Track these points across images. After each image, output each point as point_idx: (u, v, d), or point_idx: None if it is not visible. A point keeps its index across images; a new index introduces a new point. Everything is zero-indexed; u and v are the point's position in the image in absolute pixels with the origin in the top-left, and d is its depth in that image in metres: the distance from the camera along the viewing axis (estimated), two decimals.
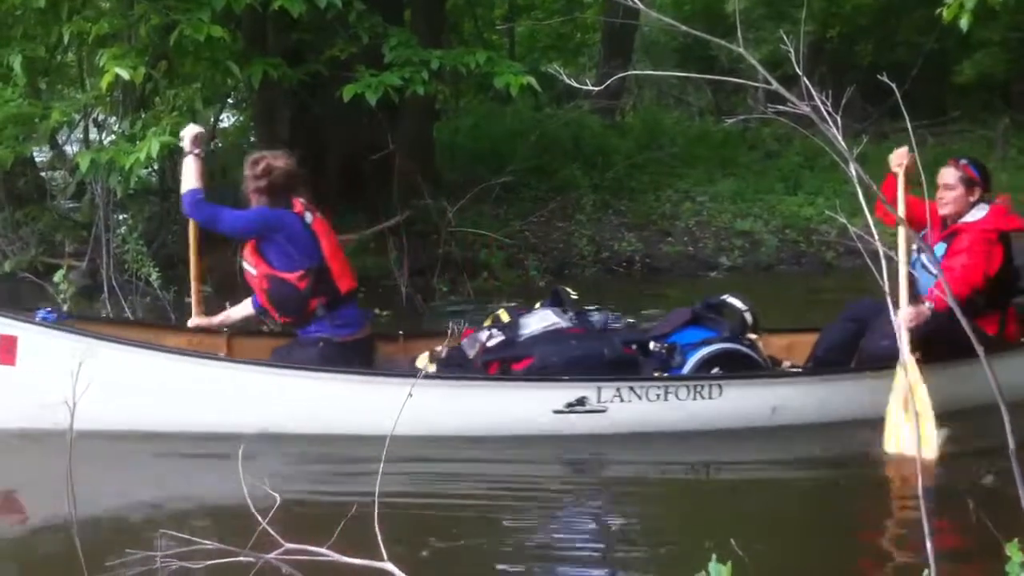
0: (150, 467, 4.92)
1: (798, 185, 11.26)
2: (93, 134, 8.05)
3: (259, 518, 2.87)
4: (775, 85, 2.98)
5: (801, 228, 10.11)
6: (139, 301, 7.30)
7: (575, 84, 3.83)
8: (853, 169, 2.50)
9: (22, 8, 6.91)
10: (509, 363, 5.50)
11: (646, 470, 5.17)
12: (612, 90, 14.21)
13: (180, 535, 2.96)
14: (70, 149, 10.15)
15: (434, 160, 10.58)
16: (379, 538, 2.67)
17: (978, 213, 5.36)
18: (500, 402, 5.39)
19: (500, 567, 3.82)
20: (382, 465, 2.92)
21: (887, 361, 5.22)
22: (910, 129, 3.30)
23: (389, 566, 2.53)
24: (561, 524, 4.46)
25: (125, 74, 6.47)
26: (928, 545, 2.38)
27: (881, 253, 2.53)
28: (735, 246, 9.87)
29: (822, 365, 5.70)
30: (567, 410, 5.34)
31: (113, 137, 7.31)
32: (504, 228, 9.60)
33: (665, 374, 5.53)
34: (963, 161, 5.47)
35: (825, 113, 2.62)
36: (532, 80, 7.53)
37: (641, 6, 3.31)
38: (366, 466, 4.17)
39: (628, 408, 5.33)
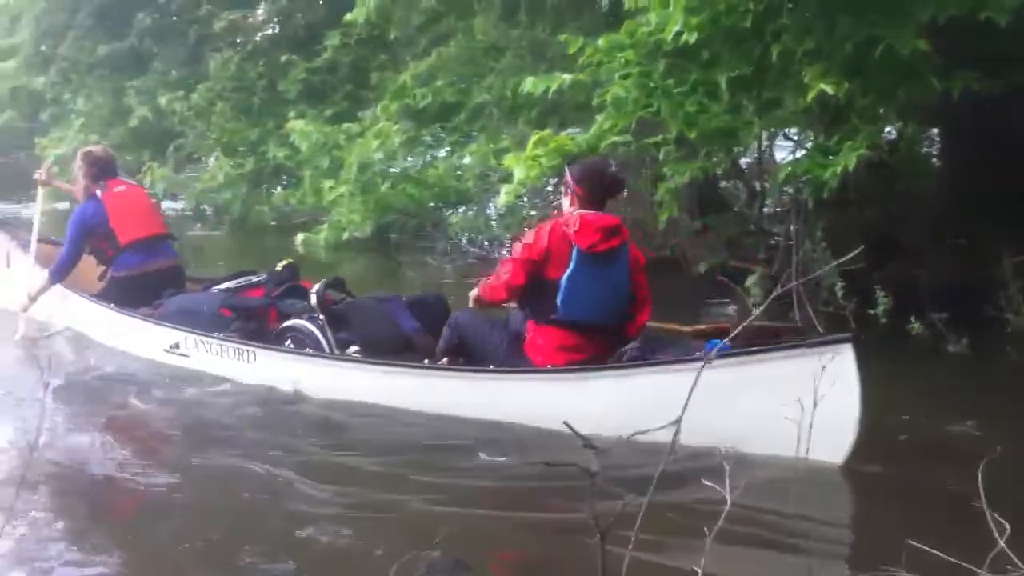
0: None
1: None
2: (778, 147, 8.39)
3: None
4: None
5: None
6: (821, 310, 7.47)
7: None
8: None
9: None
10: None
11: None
12: None
13: None
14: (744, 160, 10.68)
15: None
16: None
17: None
18: (132, 337, 7.30)
19: None
20: None
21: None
22: None
23: None
24: None
25: (830, 89, 6.66)
26: None
27: None
28: None
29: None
30: (171, 350, 6.94)
31: (807, 150, 7.54)
32: None
33: (222, 335, 6.71)
34: (567, 165, 5.83)
35: None
36: None
37: None
38: None
39: (208, 359, 6.71)
